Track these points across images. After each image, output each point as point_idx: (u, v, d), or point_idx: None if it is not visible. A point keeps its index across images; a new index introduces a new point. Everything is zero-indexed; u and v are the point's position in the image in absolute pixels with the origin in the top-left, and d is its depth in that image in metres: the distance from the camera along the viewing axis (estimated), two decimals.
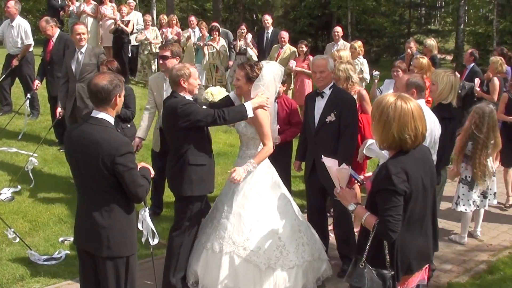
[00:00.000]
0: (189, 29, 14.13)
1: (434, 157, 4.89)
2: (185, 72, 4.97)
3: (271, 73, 5.27)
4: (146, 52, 13.92)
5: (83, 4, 14.96)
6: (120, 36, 14.14)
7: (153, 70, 13.70)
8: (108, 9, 14.74)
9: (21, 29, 10.24)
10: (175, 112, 4.82)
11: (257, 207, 5.06)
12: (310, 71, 11.49)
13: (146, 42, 13.81)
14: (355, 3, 23.12)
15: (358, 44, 11.05)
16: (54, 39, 9.27)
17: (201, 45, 13.11)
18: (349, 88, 6.16)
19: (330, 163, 4.16)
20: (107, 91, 3.79)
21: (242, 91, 5.32)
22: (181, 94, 4.97)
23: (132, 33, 14.39)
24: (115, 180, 3.79)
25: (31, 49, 10.44)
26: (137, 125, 6.82)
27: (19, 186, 7.67)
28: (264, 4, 25.02)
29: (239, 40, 12.84)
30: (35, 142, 9.40)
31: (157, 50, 13.64)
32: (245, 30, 12.95)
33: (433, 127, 4.88)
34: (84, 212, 3.94)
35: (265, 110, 5.12)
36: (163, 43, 13.59)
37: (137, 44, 14.29)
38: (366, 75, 10.88)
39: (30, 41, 10.36)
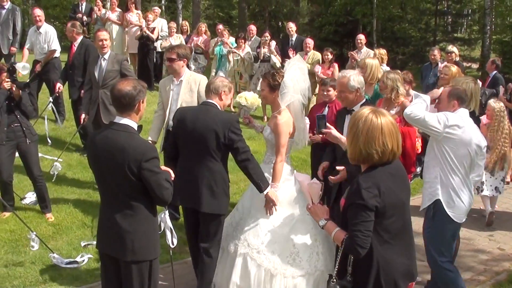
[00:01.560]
0: (218, 38, 14.14)
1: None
2: (229, 86, 5.09)
3: (293, 79, 5.22)
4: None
5: (108, 12, 15.10)
6: (145, 43, 14.26)
7: None
8: (134, 16, 14.86)
9: (47, 35, 10.41)
10: (227, 125, 4.80)
11: (274, 213, 5.05)
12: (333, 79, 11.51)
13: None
14: (381, 10, 22.99)
15: (382, 52, 11.02)
16: (76, 44, 9.37)
17: (226, 52, 13.13)
18: (394, 99, 6.06)
19: (301, 177, 4.20)
20: (131, 97, 3.82)
21: (267, 100, 5.42)
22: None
23: (157, 39, 14.49)
24: (141, 185, 3.81)
25: (57, 55, 10.57)
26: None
27: None
28: (289, 11, 24.99)
29: (263, 47, 12.84)
30: (60, 147, 9.52)
31: None
32: (269, 37, 12.94)
33: (477, 136, 4.95)
34: (108, 217, 3.96)
35: (285, 120, 5.13)
36: (193, 50, 13.68)
37: (162, 51, 14.37)
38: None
39: (55, 46, 10.49)
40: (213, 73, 13.49)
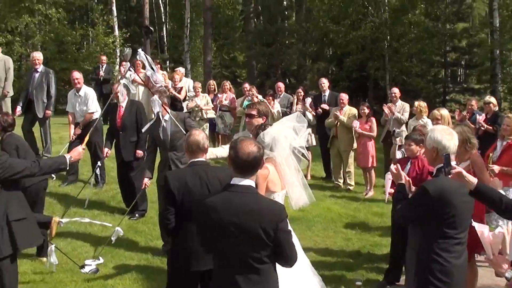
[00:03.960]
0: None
1: None
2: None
3: (275, 136, 5.31)
4: (197, 118, 13.84)
5: (133, 74, 15.06)
6: (173, 103, 14.13)
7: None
8: (160, 76, 14.81)
9: (86, 97, 10.30)
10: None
11: None
12: (372, 133, 11.40)
13: (197, 108, 13.77)
14: (393, 64, 23.18)
15: (422, 104, 10.98)
16: (124, 105, 9.23)
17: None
18: (467, 150, 5.87)
19: (481, 228, 3.99)
20: (259, 159, 3.71)
21: None
22: None
23: (184, 99, 14.42)
24: (272, 248, 3.60)
25: (95, 117, 10.42)
26: None
27: (101, 258, 7.45)
28: (302, 68, 25.13)
29: (296, 104, 12.75)
30: (105, 211, 9.34)
31: (209, 116, 13.70)
32: (303, 93, 12.89)
33: None
34: (230, 285, 3.70)
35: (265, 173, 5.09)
36: (219, 108, 13.62)
37: (189, 110, 14.27)
38: None
39: (93, 109, 10.37)
40: (241, 132, 13.37)
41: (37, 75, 11.37)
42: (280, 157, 5.33)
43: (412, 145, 6.77)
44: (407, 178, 4.75)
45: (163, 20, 33.45)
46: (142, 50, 7.15)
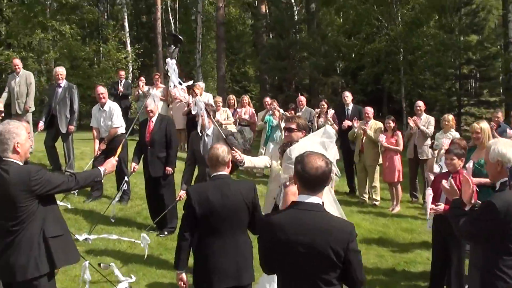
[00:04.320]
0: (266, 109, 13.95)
1: None
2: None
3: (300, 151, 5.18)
4: None
5: (152, 89, 14.98)
6: (194, 118, 14.00)
7: None
8: (181, 92, 14.71)
9: (111, 112, 10.19)
10: (251, 193, 4.93)
11: None
12: (398, 148, 11.23)
13: (217, 123, 13.61)
14: (408, 77, 23.05)
15: (450, 117, 10.84)
16: (154, 120, 9.08)
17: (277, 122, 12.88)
18: None
19: None
20: (328, 174, 3.56)
21: None
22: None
23: None
24: (340, 269, 3.46)
25: (120, 132, 10.30)
26: None
27: (133, 276, 7.29)
28: (317, 82, 24.95)
29: (319, 117, 12.61)
30: (132, 227, 9.20)
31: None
32: (326, 106, 12.75)
33: None
34: None
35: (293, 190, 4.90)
36: (238, 122, 13.51)
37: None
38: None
39: (118, 123, 10.26)
40: (262, 148, 13.25)
41: (60, 90, 11.27)
42: None
43: (454, 159, 6.61)
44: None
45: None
46: (171, 60, 6.98)
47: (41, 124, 11.21)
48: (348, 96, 12.79)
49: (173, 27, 33.77)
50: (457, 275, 6.58)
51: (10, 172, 4.52)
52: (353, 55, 23.98)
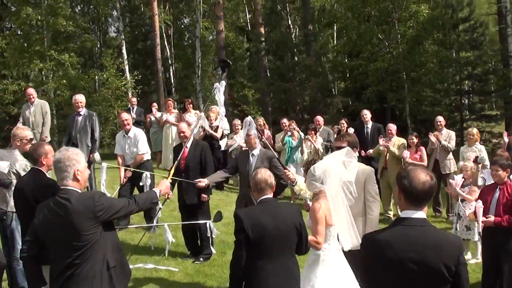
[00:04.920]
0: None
1: None
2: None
3: (325, 169, 5.36)
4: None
5: (165, 114, 14.87)
6: (210, 142, 13.89)
7: None
8: (193, 116, 14.61)
9: (137, 138, 10.02)
10: (299, 215, 5.01)
11: None
12: (423, 163, 11.16)
13: (237, 147, 13.49)
14: (412, 95, 23.11)
15: (474, 131, 10.83)
16: (189, 145, 8.85)
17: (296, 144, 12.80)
18: None
19: None
20: (434, 187, 3.48)
21: None
22: None
23: (222, 138, 14.15)
24: (451, 284, 3.35)
25: (145, 158, 10.15)
26: None
27: None
28: (318, 103, 24.95)
29: (339, 135, 12.51)
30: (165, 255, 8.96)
31: None
32: (346, 125, 12.70)
33: None
34: None
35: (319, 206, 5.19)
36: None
37: (225, 149, 14.00)
38: (487, 162, 10.52)
39: (144, 150, 10.10)
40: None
41: (80, 118, 11.13)
42: (330, 191, 5.33)
43: (499, 170, 6.59)
44: None
45: (170, 61, 33.40)
46: (219, 83, 6.91)
47: None
48: (367, 114, 12.78)
49: (169, 53, 33.73)
50: (510, 285, 6.53)
51: (72, 200, 4.30)
52: (355, 75, 23.98)
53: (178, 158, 8.92)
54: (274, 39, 26.03)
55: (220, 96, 6.93)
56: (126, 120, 10.08)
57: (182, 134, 8.89)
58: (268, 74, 26.91)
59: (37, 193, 5.48)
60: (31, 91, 12.32)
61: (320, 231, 5.23)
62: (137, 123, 15.46)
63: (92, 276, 4.36)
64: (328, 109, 24.05)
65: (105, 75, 25.57)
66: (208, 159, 8.85)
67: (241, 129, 13.66)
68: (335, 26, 28.24)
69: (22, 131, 7.03)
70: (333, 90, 28.34)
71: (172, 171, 6.14)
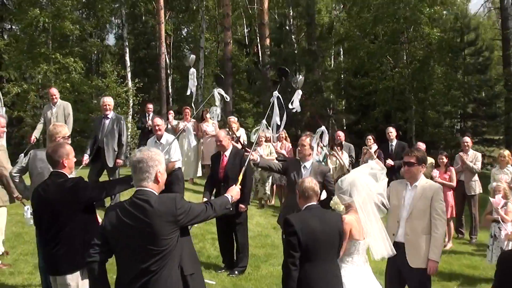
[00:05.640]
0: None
1: None
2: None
3: (352, 182, 5.42)
4: (259, 169, 13.31)
5: (181, 122, 14.62)
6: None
7: (267, 188, 13.24)
8: (210, 126, 14.41)
9: (170, 145, 9.77)
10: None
11: None
12: (452, 183, 11.06)
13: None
14: (418, 115, 23.17)
15: (505, 153, 10.79)
16: (227, 154, 8.63)
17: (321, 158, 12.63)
18: None
19: None
20: None
21: None
22: None
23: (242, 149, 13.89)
24: None
25: (177, 166, 9.93)
26: None
27: None
28: (324, 120, 24.82)
29: (364, 154, 12.42)
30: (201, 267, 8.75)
31: None
32: (372, 141, 12.61)
33: None
34: None
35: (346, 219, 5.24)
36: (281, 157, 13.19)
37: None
38: None
39: (176, 158, 9.90)
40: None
41: (107, 121, 10.81)
42: (358, 203, 5.37)
43: None
44: None
45: (169, 71, 33.26)
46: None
47: (86, 158, 10.64)
48: (392, 132, 12.71)
49: (168, 63, 33.58)
50: None
51: (152, 202, 4.06)
52: (362, 94, 24.03)
53: (214, 167, 8.83)
54: (281, 53, 25.86)
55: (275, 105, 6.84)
56: (158, 125, 9.89)
57: (219, 143, 8.66)
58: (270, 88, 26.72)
59: (64, 199, 5.11)
60: (54, 91, 11.95)
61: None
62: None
63: (170, 284, 4.11)
64: (335, 124, 23.94)
65: (106, 82, 25.31)
66: (248, 169, 8.58)
67: (265, 141, 13.45)
68: (343, 44, 28.17)
69: (62, 128, 6.68)
70: (337, 107, 28.23)
71: (241, 177, 5.91)
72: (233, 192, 5.04)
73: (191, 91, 8.11)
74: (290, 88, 7.12)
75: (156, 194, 4.20)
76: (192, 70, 7.56)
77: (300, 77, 6.90)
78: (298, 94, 6.82)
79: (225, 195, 4.95)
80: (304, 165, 7.41)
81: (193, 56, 8.14)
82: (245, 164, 6.60)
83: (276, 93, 6.97)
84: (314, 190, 5.09)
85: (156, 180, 4.21)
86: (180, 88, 34.61)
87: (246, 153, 7.38)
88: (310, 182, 5.15)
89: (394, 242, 5.95)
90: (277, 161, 8.09)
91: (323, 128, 7.32)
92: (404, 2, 21.96)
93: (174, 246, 4.10)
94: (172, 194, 4.44)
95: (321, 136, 7.40)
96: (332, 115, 24.07)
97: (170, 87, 33.95)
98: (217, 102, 8.12)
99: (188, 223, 4.26)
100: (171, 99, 33.80)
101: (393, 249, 5.62)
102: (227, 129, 10.87)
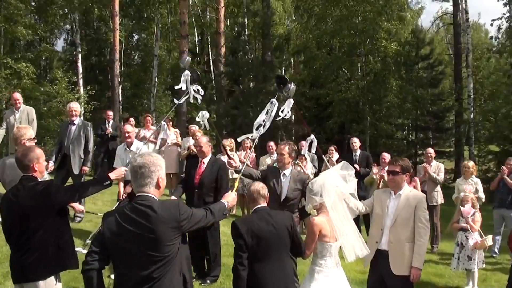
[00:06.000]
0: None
1: None
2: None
3: (322, 183, 5.58)
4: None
5: (143, 130, 14.33)
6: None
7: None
8: (172, 134, 14.16)
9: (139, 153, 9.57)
10: (291, 219, 5.35)
11: None
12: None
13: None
14: (373, 127, 23.52)
15: (471, 164, 11.03)
16: (206, 161, 8.41)
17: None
18: None
19: None
20: None
21: None
22: None
23: None
24: None
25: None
26: None
27: None
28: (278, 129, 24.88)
29: (326, 165, 12.44)
30: None
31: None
32: (334, 151, 12.70)
33: None
34: None
35: (315, 220, 5.42)
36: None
37: None
38: (481, 194, 10.74)
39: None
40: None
41: (74, 127, 10.44)
42: (329, 203, 5.50)
43: None
44: None
45: (120, 80, 32.81)
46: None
47: (51, 164, 10.15)
48: (356, 142, 12.80)
49: (119, 70, 33.13)
50: None
51: (156, 208, 3.93)
52: (317, 105, 24.27)
53: (190, 172, 8.60)
54: (237, 63, 25.80)
55: (273, 111, 6.72)
56: (129, 133, 9.54)
57: (199, 149, 8.47)
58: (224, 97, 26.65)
59: (36, 203, 4.93)
60: (17, 95, 11.39)
61: (308, 244, 5.45)
62: (112, 138, 14.88)
63: None
64: (290, 134, 24.00)
65: (56, 88, 24.68)
66: (225, 179, 8.36)
67: (249, 149, 13.20)
68: (299, 55, 28.39)
69: (27, 130, 6.39)
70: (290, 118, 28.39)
71: (237, 184, 5.80)
72: (229, 198, 4.98)
73: (187, 93, 7.58)
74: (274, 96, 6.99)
75: (157, 199, 4.07)
76: (187, 72, 7.32)
77: (292, 86, 6.83)
78: (290, 102, 6.77)
79: (221, 201, 4.90)
80: (284, 173, 7.32)
81: (188, 59, 7.96)
82: (241, 170, 6.55)
83: (274, 101, 6.87)
84: (260, 193, 5.19)
85: (158, 186, 4.08)
86: (131, 96, 34.19)
87: (229, 160, 7.22)
88: (257, 185, 5.26)
89: (377, 250, 6.04)
90: (257, 170, 7.92)
91: (312, 136, 7.28)
92: (362, 16, 22.33)
93: (176, 252, 4.01)
94: (175, 200, 4.35)
95: (310, 144, 7.35)
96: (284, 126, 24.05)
97: (120, 95, 33.50)
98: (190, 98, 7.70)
99: (190, 228, 4.18)
100: (120, 107, 33.35)
101: (367, 248, 5.74)
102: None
